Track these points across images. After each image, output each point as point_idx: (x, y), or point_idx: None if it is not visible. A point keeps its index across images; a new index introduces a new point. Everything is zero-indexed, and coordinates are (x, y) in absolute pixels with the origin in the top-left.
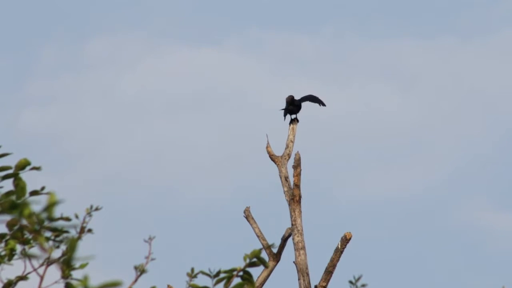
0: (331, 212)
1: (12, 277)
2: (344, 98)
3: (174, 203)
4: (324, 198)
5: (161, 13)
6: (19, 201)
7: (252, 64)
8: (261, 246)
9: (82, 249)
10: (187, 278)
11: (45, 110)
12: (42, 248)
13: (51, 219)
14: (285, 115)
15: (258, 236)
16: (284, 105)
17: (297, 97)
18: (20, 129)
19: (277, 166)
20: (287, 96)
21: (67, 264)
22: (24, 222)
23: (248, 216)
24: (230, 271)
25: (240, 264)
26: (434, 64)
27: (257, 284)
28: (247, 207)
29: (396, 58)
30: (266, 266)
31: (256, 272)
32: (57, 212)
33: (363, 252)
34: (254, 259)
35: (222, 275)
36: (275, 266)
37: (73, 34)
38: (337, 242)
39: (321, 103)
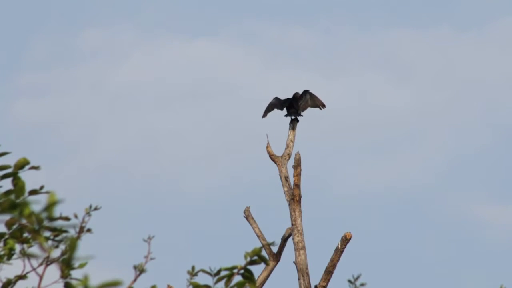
0: (329, 205)
1: (11, 276)
2: (340, 89)
3: (170, 197)
4: (321, 191)
5: (155, 4)
6: (18, 201)
7: (248, 56)
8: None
9: (81, 246)
10: (188, 276)
11: (37, 102)
12: (42, 248)
13: (51, 218)
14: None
15: (258, 236)
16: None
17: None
18: (13, 120)
19: (277, 166)
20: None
21: (66, 263)
22: (24, 221)
23: (248, 216)
24: (231, 269)
25: (241, 262)
26: (430, 54)
27: (257, 284)
28: (247, 207)
29: (391, 48)
30: (267, 264)
31: (257, 272)
32: (56, 208)
33: (362, 247)
34: (255, 257)
35: (223, 273)
36: (275, 266)
37: (66, 25)
38: (337, 242)
39: (321, 106)
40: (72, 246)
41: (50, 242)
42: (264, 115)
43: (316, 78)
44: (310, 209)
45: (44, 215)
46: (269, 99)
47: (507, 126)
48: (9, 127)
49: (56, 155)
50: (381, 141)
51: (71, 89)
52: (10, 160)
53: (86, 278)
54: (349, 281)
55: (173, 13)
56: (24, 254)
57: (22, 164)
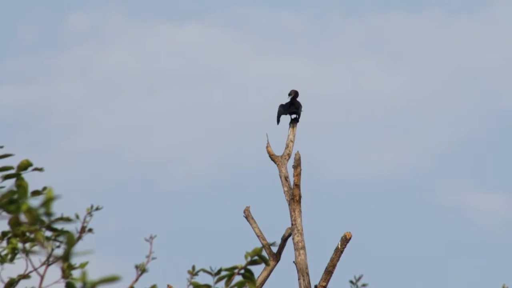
0: (323, 192)
1: (13, 276)
2: (331, 74)
3: (167, 194)
4: (314, 177)
5: None
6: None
7: (237, 41)
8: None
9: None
10: (188, 276)
11: (25, 87)
12: (41, 245)
13: (49, 214)
14: (280, 115)
15: (258, 236)
16: (285, 100)
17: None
18: (0, 106)
19: (277, 166)
20: (291, 91)
21: (65, 258)
22: (23, 219)
23: (248, 216)
24: (231, 269)
25: (241, 262)
26: (422, 38)
27: (257, 284)
28: (247, 206)
29: (383, 32)
30: (267, 264)
31: (256, 272)
32: (53, 203)
33: (358, 240)
34: (256, 257)
35: (223, 273)
36: (275, 266)
37: (53, 10)
38: (337, 242)
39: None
40: (70, 241)
41: (51, 242)
42: (278, 122)
43: (307, 63)
44: (307, 198)
45: (42, 210)
46: (267, 100)
47: (498, 111)
48: None
49: (44, 141)
50: (372, 127)
51: (59, 74)
52: (11, 159)
53: (84, 274)
54: (351, 281)
55: None
56: (26, 251)
57: (25, 166)
